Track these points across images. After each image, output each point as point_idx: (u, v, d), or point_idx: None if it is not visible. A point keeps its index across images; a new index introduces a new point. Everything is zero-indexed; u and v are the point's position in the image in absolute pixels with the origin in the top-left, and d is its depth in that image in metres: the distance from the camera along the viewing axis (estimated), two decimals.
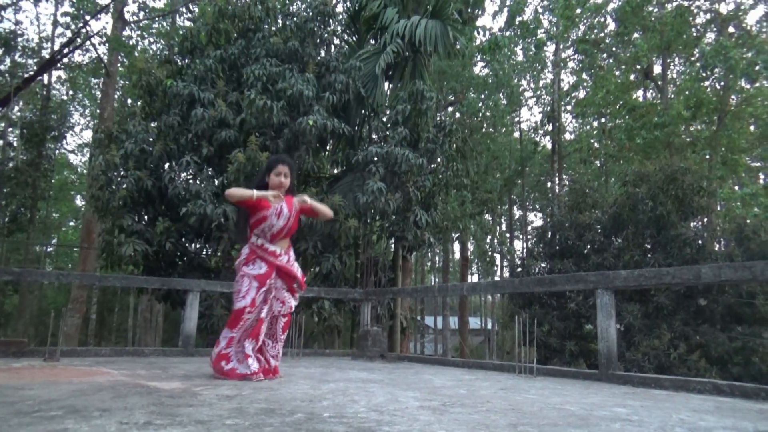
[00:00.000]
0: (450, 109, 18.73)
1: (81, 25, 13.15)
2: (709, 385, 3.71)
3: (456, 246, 26.39)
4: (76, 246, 24.50)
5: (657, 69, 17.77)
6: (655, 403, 3.08)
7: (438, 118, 9.10)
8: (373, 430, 2.03)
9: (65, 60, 17.12)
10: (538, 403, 2.98)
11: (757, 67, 13.72)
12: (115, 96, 16.41)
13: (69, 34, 16.56)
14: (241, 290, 3.80)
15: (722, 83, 15.93)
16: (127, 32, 16.81)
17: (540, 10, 20.09)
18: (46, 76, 19.32)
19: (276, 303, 3.97)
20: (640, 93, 20.13)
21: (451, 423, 2.25)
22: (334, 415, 2.34)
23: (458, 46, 9.94)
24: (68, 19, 15.18)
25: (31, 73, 15.36)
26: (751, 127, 17.51)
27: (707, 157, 16.09)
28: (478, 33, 14.83)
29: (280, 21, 9.17)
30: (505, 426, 2.21)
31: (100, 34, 14.50)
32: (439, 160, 8.93)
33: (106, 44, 14.63)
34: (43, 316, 27.03)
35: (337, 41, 9.80)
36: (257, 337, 3.87)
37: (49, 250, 30.14)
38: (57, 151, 23.73)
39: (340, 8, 10.88)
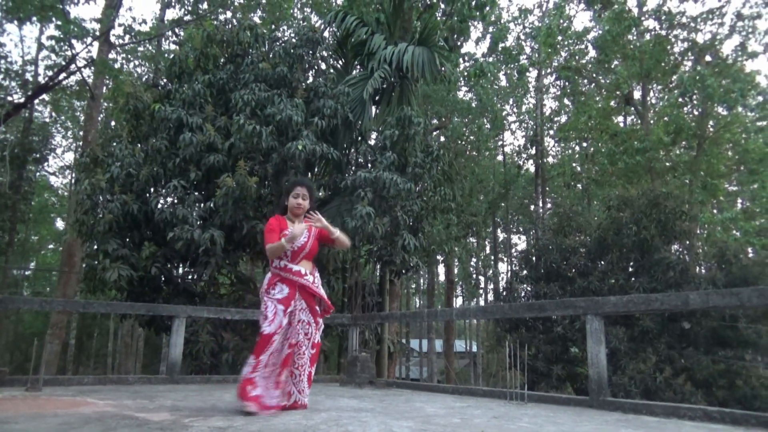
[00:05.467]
0: (435, 133, 18.92)
1: (75, 52, 13.10)
2: (700, 412, 3.72)
3: (441, 269, 26.41)
4: (56, 269, 24.07)
5: (637, 95, 18.18)
6: (648, 431, 3.09)
7: (425, 143, 9.18)
8: None
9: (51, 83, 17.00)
10: None
11: (734, 95, 14.11)
12: (99, 118, 16.32)
13: (54, 57, 16.47)
14: (267, 315, 3.66)
15: (700, 110, 16.33)
16: (112, 55, 16.80)
17: (522, 37, 20.54)
18: None
19: (302, 326, 3.81)
20: (621, 118, 20.55)
21: None
22: None
23: (444, 72, 10.09)
24: (53, 42, 15.09)
25: (22, 99, 15.22)
26: (729, 153, 17.95)
27: (687, 181, 16.40)
28: (464, 60, 15.10)
29: (267, 46, 9.23)
30: None
31: (88, 58, 14.44)
32: (426, 184, 8.97)
33: (92, 67, 14.58)
34: (19, 341, 26.37)
35: (324, 67, 9.89)
36: (291, 366, 3.76)
37: (26, 273, 29.52)
38: (38, 173, 23.42)
39: (326, 34, 11.01)
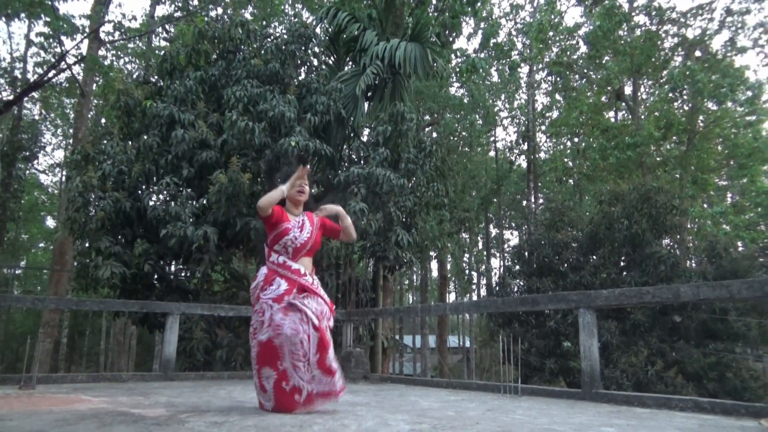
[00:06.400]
0: (427, 129, 18.94)
1: (65, 49, 13.01)
2: (690, 403, 3.78)
3: (434, 264, 26.48)
4: (47, 268, 23.92)
5: (628, 90, 18.27)
6: (640, 422, 3.13)
7: (418, 139, 9.19)
8: None
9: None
10: (527, 424, 3.00)
11: (723, 90, 14.20)
12: (89, 116, 16.20)
13: (43, 54, 16.34)
14: (264, 321, 3.29)
15: (690, 105, 16.45)
16: (102, 52, 16.67)
17: (514, 33, 20.57)
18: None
19: (312, 313, 3.34)
20: (612, 114, 20.66)
21: None
22: None
23: (436, 68, 10.09)
24: (42, 39, 14.95)
25: (11, 97, 15.09)
26: (719, 147, 18.10)
27: (678, 176, 16.53)
28: (456, 56, 15.11)
29: (259, 43, 9.20)
30: None
31: (78, 55, 14.29)
32: (419, 180, 8.99)
33: (82, 64, 14.47)
34: (10, 340, 26.19)
35: (316, 63, 9.87)
36: (328, 348, 3.31)
37: (17, 272, 29.31)
38: (28, 171, 23.23)
39: (318, 30, 11.00)
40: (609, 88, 17.86)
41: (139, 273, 7.38)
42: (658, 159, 17.45)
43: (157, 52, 15.98)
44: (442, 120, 18.77)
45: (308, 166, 3.63)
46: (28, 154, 19.09)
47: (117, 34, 16.60)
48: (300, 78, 9.09)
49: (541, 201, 23.94)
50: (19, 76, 17.89)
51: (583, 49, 18.50)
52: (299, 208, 3.61)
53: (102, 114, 16.97)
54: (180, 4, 16.75)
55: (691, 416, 3.46)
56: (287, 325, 3.24)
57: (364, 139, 9.69)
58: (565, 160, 22.00)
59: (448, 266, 26.07)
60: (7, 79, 17.51)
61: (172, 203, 7.25)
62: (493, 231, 28.48)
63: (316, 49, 9.83)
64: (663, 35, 16.85)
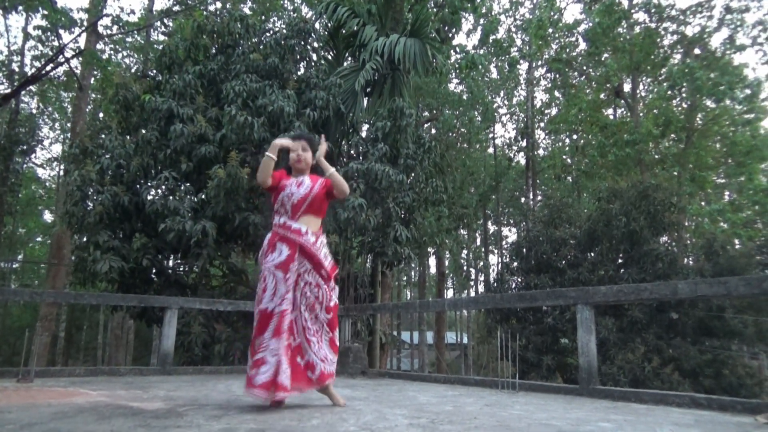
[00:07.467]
0: (426, 125, 18.93)
1: (63, 43, 12.99)
2: (687, 399, 3.79)
3: (432, 261, 26.49)
4: (44, 262, 23.89)
5: (627, 88, 18.28)
6: (637, 418, 3.14)
7: (417, 135, 9.19)
8: None
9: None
10: (524, 419, 3.01)
11: (722, 88, 14.23)
12: (87, 109, 16.16)
13: (41, 47, 16.28)
14: (267, 288, 3.24)
15: (689, 102, 16.47)
16: (100, 45, 16.62)
17: (513, 30, 20.56)
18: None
19: (309, 288, 3.33)
20: (610, 111, 20.67)
21: None
22: None
23: (435, 64, 10.08)
24: (40, 32, 14.91)
25: (8, 90, 15.04)
26: (717, 145, 18.13)
27: (676, 174, 16.56)
28: (455, 52, 15.10)
29: (258, 37, 9.18)
30: None
31: (76, 49, 14.22)
32: (418, 176, 8.99)
33: (80, 58, 14.43)
34: (7, 334, 26.20)
35: (315, 58, 9.86)
36: (280, 335, 3.17)
37: (14, 266, 29.26)
38: (25, 165, 23.16)
39: (318, 26, 10.96)
40: (608, 85, 17.88)
41: (137, 267, 7.37)
42: (656, 156, 17.48)
43: (155, 46, 15.96)
44: (441, 116, 18.75)
45: (298, 142, 3.50)
46: (25, 147, 19.02)
47: (115, 27, 16.57)
48: (299, 73, 9.07)
49: (539, 198, 23.96)
50: (17, 70, 17.83)
51: (583, 46, 18.52)
52: (304, 174, 3.48)
53: (100, 108, 16.93)
54: None
55: (688, 412, 3.47)
56: (281, 297, 3.21)
57: (363, 134, 9.68)
58: (564, 157, 22.02)
59: (447, 262, 26.09)
60: (4, 73, 17.46)
61: (171, 197, 7.24)
62: (492, 227, 28.51)
63: (316, 44, 9.81)
64: (662, 33, 16.86)
